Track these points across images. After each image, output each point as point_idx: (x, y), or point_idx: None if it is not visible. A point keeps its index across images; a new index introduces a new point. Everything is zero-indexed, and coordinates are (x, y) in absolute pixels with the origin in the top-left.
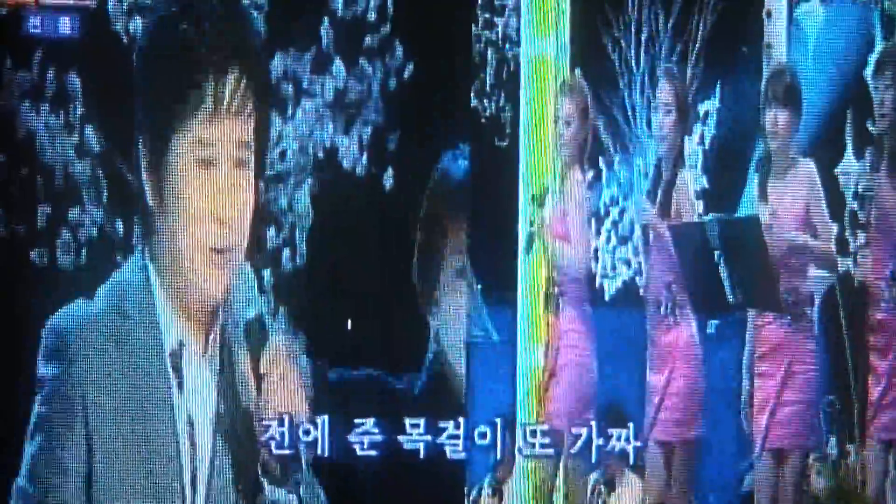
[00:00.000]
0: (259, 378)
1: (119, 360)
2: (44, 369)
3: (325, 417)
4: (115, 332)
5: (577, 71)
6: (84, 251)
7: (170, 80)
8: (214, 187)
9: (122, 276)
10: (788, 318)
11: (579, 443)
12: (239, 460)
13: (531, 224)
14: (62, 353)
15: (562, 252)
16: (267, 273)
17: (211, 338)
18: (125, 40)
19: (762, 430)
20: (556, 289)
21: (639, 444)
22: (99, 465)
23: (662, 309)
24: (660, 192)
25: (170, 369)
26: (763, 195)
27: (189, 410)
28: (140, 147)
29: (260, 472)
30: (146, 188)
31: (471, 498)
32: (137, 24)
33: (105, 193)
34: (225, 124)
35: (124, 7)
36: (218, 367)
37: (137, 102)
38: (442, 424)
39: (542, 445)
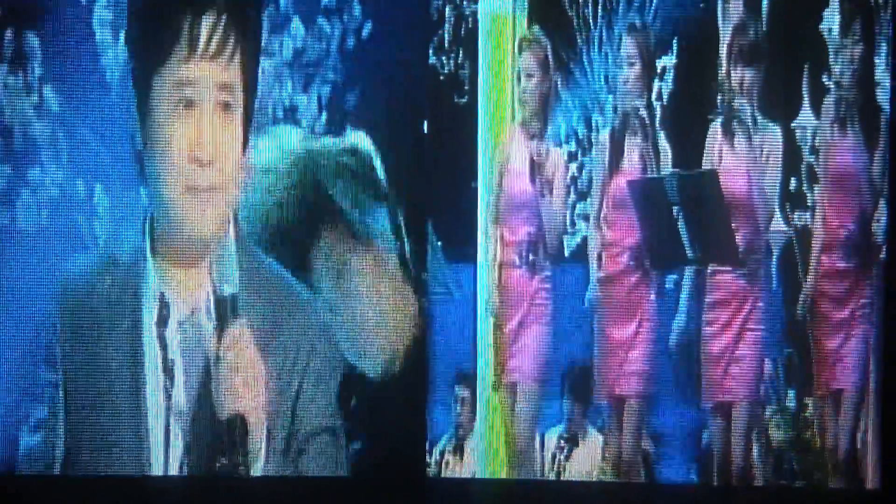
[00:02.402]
0: (217, 358)
1: (101, 311)
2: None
3: None
4: (106, 279)
5: (535, 27)
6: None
7: (150, 21)
8: (197, 128)
9: (122, 224)
10: (746, 269)
11: (542, 399)
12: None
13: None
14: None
15: (534, 206)
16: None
17: (202, 297)
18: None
19: (718, 381)
20: (527, 244)
21: (602, 400)
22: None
23: (622, 264)
24: (621, 148)
25: (153, 328)
26: (723, 150)
27: (170, 362)
28: (132, 87)
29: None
30: (138, 129)
31: (433, 455)
32: None
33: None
34: (205, 65)
35: None
36: (206, 329)
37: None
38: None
39: (506, 400)
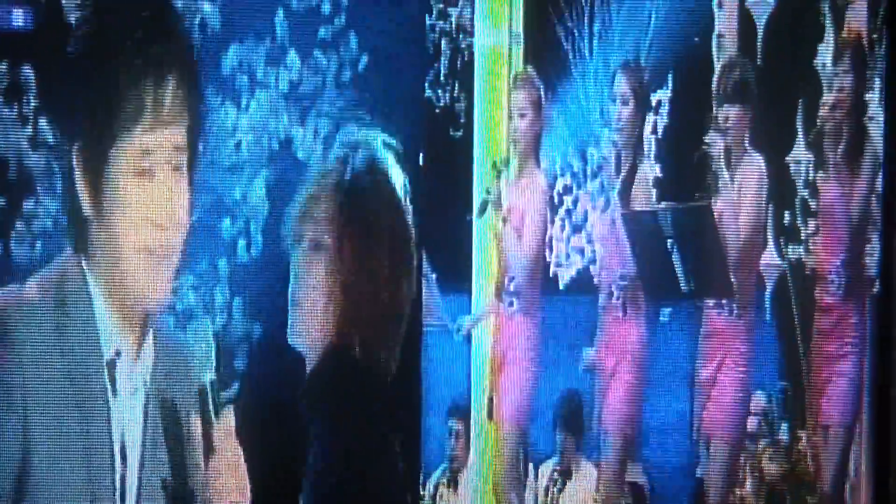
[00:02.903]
0: (209, 450)
1: (56, 351)
2: None
3: None
4: (54, 321)
5: (529, 67)
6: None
7: (106, 90)
8: (152, 195)
9: (57, 268)
10: (735, 304)
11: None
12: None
13: (487, 192)
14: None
15: (519, 244)
16: (222, 263)
17: (146, 342)
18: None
19: (704, 413)
20: (512, 281)
21: (595, 432)
22: (34, 457)
23: (615, 297)
24: (618, 182)
25: (105, 370)
26: (715, 185)
27: (121, 415)
28: (74, 155)
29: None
30: (81, 195)
31: (426, 488)
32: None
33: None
34: (163, 132)
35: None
36: (150, 373)
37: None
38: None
39: (501, 434)
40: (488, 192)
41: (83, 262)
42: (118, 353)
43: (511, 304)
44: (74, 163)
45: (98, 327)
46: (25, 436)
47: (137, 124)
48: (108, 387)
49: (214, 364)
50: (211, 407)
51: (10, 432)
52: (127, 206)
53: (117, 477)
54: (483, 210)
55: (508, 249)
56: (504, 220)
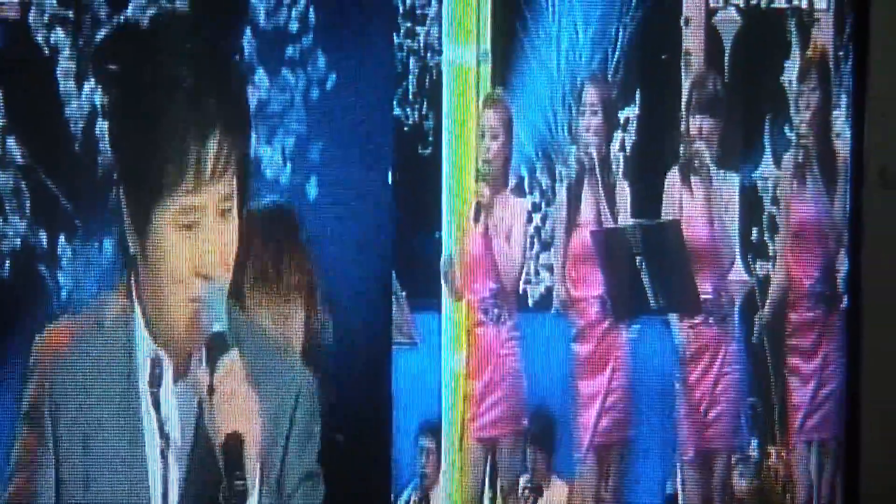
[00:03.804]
0: (211, 390)
1: (92, 370)
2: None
3: None
4: (91, 341)
5: (499, 89)
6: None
7: (148, 152)
8: (199, 246)
9: (107, 293)
10: (713, 320)
11: (508, 449)
12: (206, 485)
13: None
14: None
15: (494, 263)
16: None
17: (194, 359)
18: (46, 52)
19: (684, 430)
20: (491, 299)
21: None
22: (67, 477)
23: (589, 314)
24: (584, 198)
25: (145, 386)
26: (685, 200)
27: (165, 429)
28: (121, 197)
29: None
30: (128, 239)
31: None
32: (59, 35)
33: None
34: (209, 189)
35: (45, 19)
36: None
37: (115, 173)
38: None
39: (471, 451)
40: (481, 197)
41: (131, 283)
42: (160, 361)
43: (485, 318)
44: (122, 198)
45: (136, 336)
46: (59, 447)
47: (182, 185)
48: (148, 396)
49: None
50: None
51: (47, 444)
52: (172, 257)
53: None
54: (477, 215)
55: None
56: (484, 235)
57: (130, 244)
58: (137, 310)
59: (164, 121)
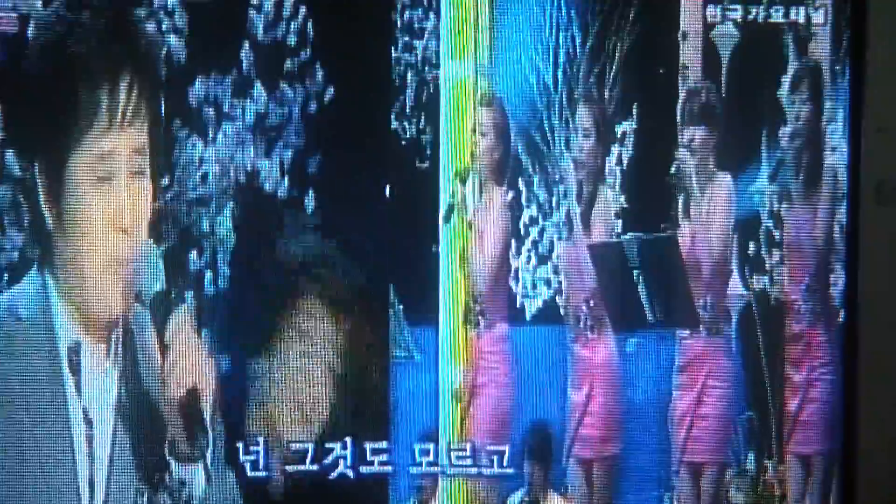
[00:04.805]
0: (164, 348)
1: (11, 362)
2: None
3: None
4: (8, 334)
5: (496, 92)
6: None
7: (61, 97)
8: (114, 201)
9: (19, 287)
10: (706, 332)
11: (503, 462)
12: (142, 449)
13: (452, 196)
14: None
15: (481, 270)
16: (189, 296)
17: (113, 337)
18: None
19: (680, 443)
20: (477, 307)
21: (564, 463)
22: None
23: (582, 327)
24: (579, 213)
25: (66, 370)
26: (681, 213)
27: (87, 410)
28: (36, 170)
29: (167, 452)
30: (44, 211)
31: None
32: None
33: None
34: (121, 136)
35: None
36: (120, 364)
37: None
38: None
39: (466, 465)
40: (453, 197)
41: (45, 272)
42: (78, 345)
43: (478, 326)
44: (37, 174)
45: (56, 323)
46: None
47: (93, 129)
48: (70, 379)
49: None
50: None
51: None
52: (88, 215)
53: (83, 461)
54: (449, 216)
55: (476, 270)
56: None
57: (47, 218)
58: (54, 299)
59: (74, 70)
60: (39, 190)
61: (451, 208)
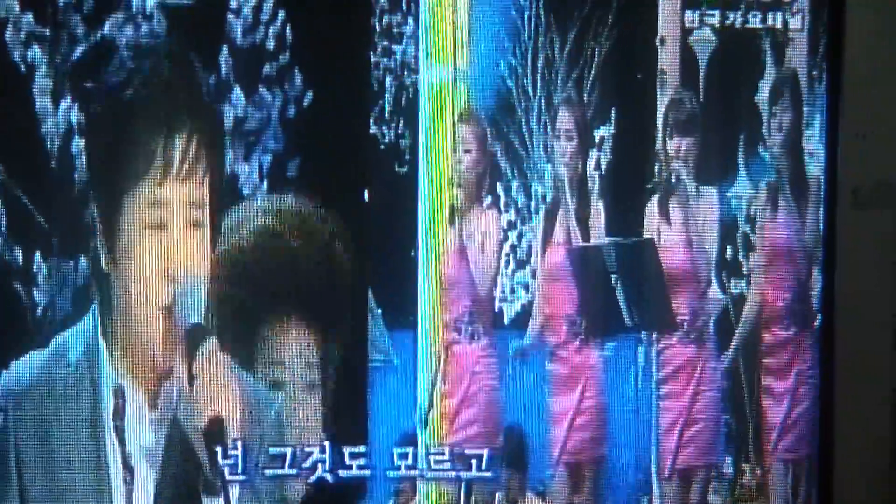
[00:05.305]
0: (191, 378)
1: (56, 409)
2: None
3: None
4: (57, 376)
5: (474, 104)
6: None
7: (119, 143)
8: (168, 249)
9: (75, 329)
10: (687, 339)
11: (482, 466)
12: (182, 480)
13: (455, 198)
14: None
15: (469, 279)
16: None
17: (162, 393)
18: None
19: (671, 450)
20: (465, 317)
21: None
22: None
23: (563, 333)
24: (559, 217)
25: (110, 422)
26: (660, 219)
27: (130, 462)
28: (94, 211)
29: (201, 490)
30: (101, 251)
31: None
32: (35, 52)
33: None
34: (177, 186)
35: (22, 37)
36: (167, 424)
37: (89, 167)
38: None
39: (444, 469)
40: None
41: (98, 314)
42: (124, 397)
43: (461, 334)
44: (96, 216)
45: (102, 372)
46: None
47: (148, 176)
48: (113, 432)
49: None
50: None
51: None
52: (140, 260)
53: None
54: (452, 218)
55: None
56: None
57: (103, 259)
58: (102, 344)
59: (136, 122)
60: (98, 230)
61: (452, 209)
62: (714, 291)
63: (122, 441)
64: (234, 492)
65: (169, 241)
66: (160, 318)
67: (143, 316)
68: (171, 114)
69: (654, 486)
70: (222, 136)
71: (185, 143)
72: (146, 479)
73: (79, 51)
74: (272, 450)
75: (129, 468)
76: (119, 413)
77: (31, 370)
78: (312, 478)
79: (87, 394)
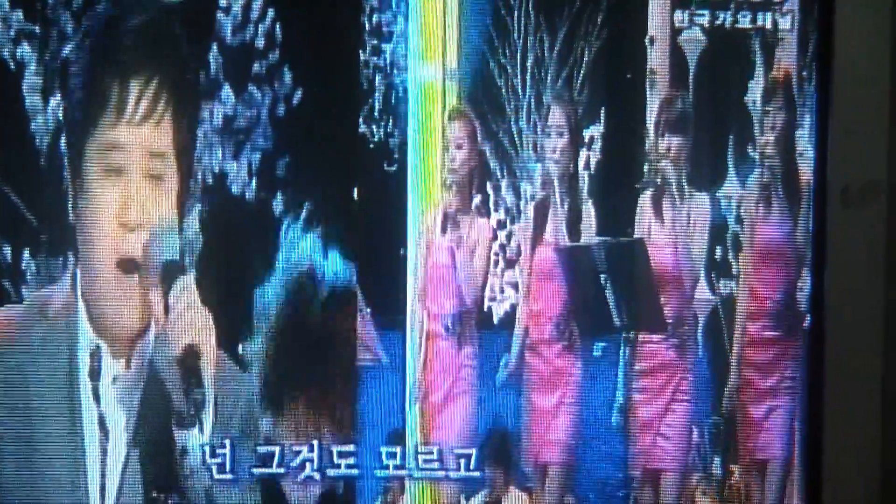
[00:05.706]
0: (166, 308)
1: (32, 361)
2: None
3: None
4: (33, 330)
5: (463, 102)
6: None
7: (87, 86)
8: (123, 196)
9: (52, 285)
10: (675, 339)
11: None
12: (155, 462)
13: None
14: None
15: (456, 278)
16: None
17: (136, 351)
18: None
19: (644, 449)
20: (451, 317)
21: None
22: (4, 468)
23: (549, 332)
24: (550, 216)
25: (85, 374)
26: (650, 218)
27: (104, 417)
28: (65, 154)
29: (174, 425)
30: (69, 197)
31: None
32: (25, 50)
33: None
34: (133, 130)
35: (11, 34)
36: (143, 380)
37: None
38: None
39: (433, 468)
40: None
41: (73, 265)
42: (99, 349)
43: (447, 331)
44: (66, 167)
45: (79, 325)
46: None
47: (107, 118)
48: (88, 383)
49: None
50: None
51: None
52: (99, 207)
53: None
54: (444, 225)
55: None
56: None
57: (71, 211)
58: (80, 302)
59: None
60: (65, 172)
61: (446, 216)
62: (703, 291)
63: (97, 402)
64: (207, 426)
65: (124, 188)
66: (128, 272)
67: (109, 269)
68: (139, 59)
69: (638, 487)
70: (193, 87)
71: (156, 87)
72: (120, 439)
73: (67, 48)
74: (260, 449)
75: (104, 429)
76: (95, 373)
77: (7, 323)
78: (300, 477)
79: (64, 351)
